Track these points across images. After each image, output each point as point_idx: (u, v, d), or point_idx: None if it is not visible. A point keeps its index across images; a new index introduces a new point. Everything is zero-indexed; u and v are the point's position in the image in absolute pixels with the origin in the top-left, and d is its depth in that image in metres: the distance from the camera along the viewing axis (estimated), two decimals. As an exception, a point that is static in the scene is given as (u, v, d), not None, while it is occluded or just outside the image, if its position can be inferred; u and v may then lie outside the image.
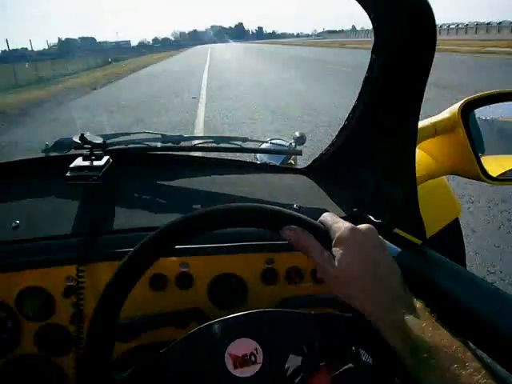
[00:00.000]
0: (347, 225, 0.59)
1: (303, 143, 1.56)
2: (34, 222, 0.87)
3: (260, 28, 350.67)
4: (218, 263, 0.82)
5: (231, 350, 0.57)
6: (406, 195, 0.76)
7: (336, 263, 0.57)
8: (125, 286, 0.56)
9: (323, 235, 0.60)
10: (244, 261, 0.82)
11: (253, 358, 0.57)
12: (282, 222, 0.60)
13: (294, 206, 0.89)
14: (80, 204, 0.93)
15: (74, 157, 1.02)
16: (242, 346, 0.58)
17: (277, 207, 0.61)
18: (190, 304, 0.81)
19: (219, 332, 0.59)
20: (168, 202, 0.96)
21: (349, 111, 0.86)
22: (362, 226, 0.60)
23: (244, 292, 0.83)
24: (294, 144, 1.52)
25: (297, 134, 1.56)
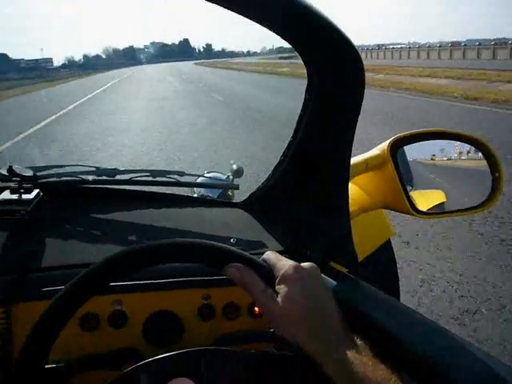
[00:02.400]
0: (291, 263, 0.60)
1: (240, 176, 1.58)
2: None
3: (208, 45, 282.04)
4: (152, 300, 0.79)
5: None
6: (341, 230, 0.78)
7: (279, 301, 0.57)
8: (53, 326, 0.53)
9: (266, 273, 0.60)
10: (180, 297, 0.80)
11: None
12: (224, 259, 0.60)
13: (231, 240, 0.89)
14: (7, 240, 0.87)
15: (1, 190, 0.96)
16: None
17: (219, 244, 0.60)
18: (125, 343, 0.77)
19: (156, 371, 0.57)
20: (102, 236, 0.92)
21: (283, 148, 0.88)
22: (306, 265, 0.61)
23: (180, 329, 0.80)
24: (231, 177, 1.53)
25: (234, 166, 1.58)
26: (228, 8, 0.54)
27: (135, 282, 0.76)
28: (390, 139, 0.89)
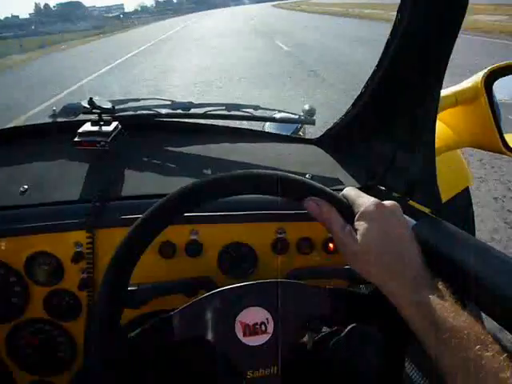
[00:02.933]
0: (372, 200, 0.58)
1: (313, 115, 1.53)
2: (43, 187, 0.87)
3: None
4: (228, 232, 0.81)
5: (242, 318, 0.57)
6: (424, 168, 0.73)
7: (358, 238, 0.55)
8: (134, 252, 0.56)
9: (346, 209, 0.59)
10: (254, 230, 0.81)
11: (263, 328, 0.57)
12: (304, 192, 0.59)
13: (307, 175, 0.87)
14: (88, 170, 0.92)
15: (83, 122, 1.00)
16: (254, 314, 0.57)
17: (300, 177, 0.59)
18: (200, 272, 0.80)
19: (231, 299, 0.58)
20: (177, 168, 0.94)
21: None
22: (387, 203, 0.59)
23: (254, 261, 0.82)
24: (303, 117, 1.50)
25: (306, 106, 1.54)
26: None
27: (211, 213, 0.78)
28: (485, 70, 0.81)
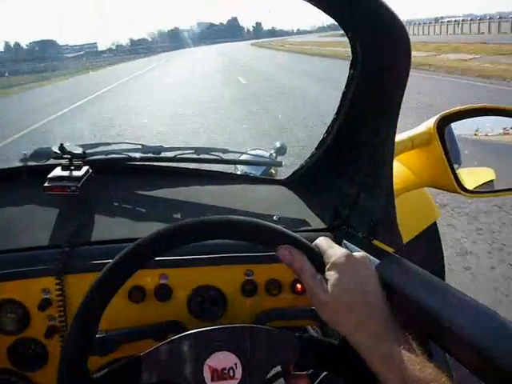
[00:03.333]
0: (343, 251, 0.60)
1: (284, 154, 1.58)
2: (11, 233, 0.86)
3: (258, 24, 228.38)
4: (197, 275, 0.81)
5: (211, 362, 0.57)
6: (385, 208, 0.77)
7: (328, 288, 0.57)
8: (103, 298, 0.56)
9: (317, 259, 0.60)
10: (224, 273, 0.82)
11: (231, 373, 0.57)
12: (278, 240, 0.61)
13: (274, 217, 0.90)
14: (58, 215, 0.92)
15: (53, 167, 1.00)
16: (222, 359, 0.58)
17: (274, 225, 0.61)
18: (170, 316, 0.80)
19: (200, 342, 0.59)
20: (148, 212, 0.95)
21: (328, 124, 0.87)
22: (357, 254, 0.61)
23: (224, 304, 0.83)
24: (274, 154, 1.54)
25: (277, 144, 1.58)
26: None
27: (181, 257, 0.79)
28: (437, 116, 0.87)
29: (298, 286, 0.83)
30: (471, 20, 43.31)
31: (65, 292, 0.77)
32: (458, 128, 0.94)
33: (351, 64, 0.71)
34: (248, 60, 26.25)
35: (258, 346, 0.59)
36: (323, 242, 0.63)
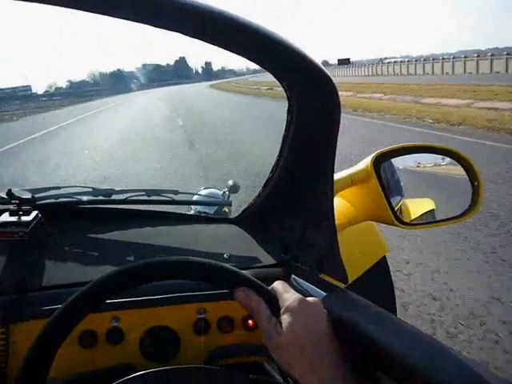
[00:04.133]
0: (297, 295, 0.62)
1: (237, 192, 1.62)
2: None
3: (208, 64, 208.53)
4: (149, 316, 0.81)
5: None
6: (329, 242, 0.81)
7: (282, 331, 0.59)
8: (52, 344, 0.55)
9: (273, 302, 0.63)
10: (175, 312, 0.82)
11: None
12: (234, 281, 0.63)
13: (225, 255, 0.92)
14: (6, 261, 0.90)
15: (0, 212, 0.99)
16: None
17: (231, 267, 0.63)
18: (122, 359, 0.80)
19: (158, 382, 0.59)
20: (100, 255, 0.95)
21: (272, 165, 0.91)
22: (311, 299, 0.63)
23: (177, 344, 0.83)
24: (227, 192, 1.58)
25: (230, 182, 1.62)
26: (211, 43, 0.57)
27: (131, 298, 0.79)
28: (373, 154, 0.93)
29: (250, 321, 0.85)
30: (408, 61, 46.09)
31: (12, 341, 0.75)
32: (402, 162, 1.01)
33: (288, 110, 0.76)
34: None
35: None
36: (279, 285, 0.66)
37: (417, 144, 0.98)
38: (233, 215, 1.19)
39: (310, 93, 0.69)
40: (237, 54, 0.59)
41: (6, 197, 1.00)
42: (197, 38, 0.55)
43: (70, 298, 0.57)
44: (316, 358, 0.57)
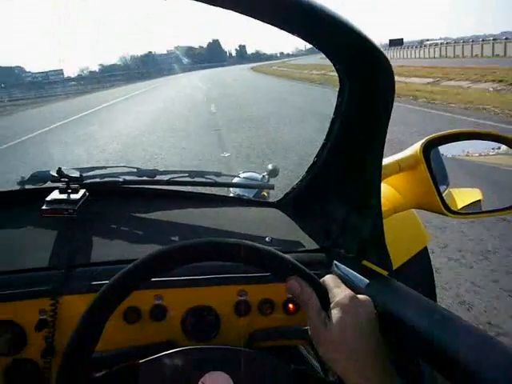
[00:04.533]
0: (347, 292, 0.62)
1: (276, 175, 1.61)
2: (9, 255, 0.88)
3: (242, 47, 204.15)
4: (191, 296, 0.83)
5: (206, 380, 0.59)
6: (373, 229, 0.79)
7: (331, 327, 0.58)
8: (99, 319, 0.57)
9: (323, 295, 0.62)
10: (217, 293, 0.83)
11: None
12: (289, 271, 0.63)
13: (266, 239, 0.92)
14: (56, 237, 0.93)
15: (51, 190, 1.03)
16: (217, 378, 0.59)
17: (286, 256, 0.63)
18: (164, 336, 0.82)
19: (197, 359, 0.60)
20: (144, 234, 0.97)
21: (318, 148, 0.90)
22: (362, 297, 0.62)
23: (217, 324, 0.84)
24: (267, 177, 1.58)
25: (269, 166, 1.62)
26: (256, 17, 0.56)
27: (175, 278, 0.80)
28: (423, 140, 0.90)
29: (290, 305, 0.85)
30: (447, 43, 44.23)
31: (61, 313, 0.78)
32: (449, 148, 0.97)
33: (339, 92, 0.74)
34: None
35: (253, 373, 0.61)
36: (330, 280, 0.65)
37: (469, 130, 0.94)
38: (274, 199, 1.18)
39: (364, 74, 0.67)
40: (291, 32, 0.57)
41: (56, 175, 1.04)
42: (249, 16, 0.54)
43: (116, 276, 0.58)
44: (363, 360, 0.56)
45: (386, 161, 0.90)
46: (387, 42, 66.15)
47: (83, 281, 0.80)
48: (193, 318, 0.83)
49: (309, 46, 0.64)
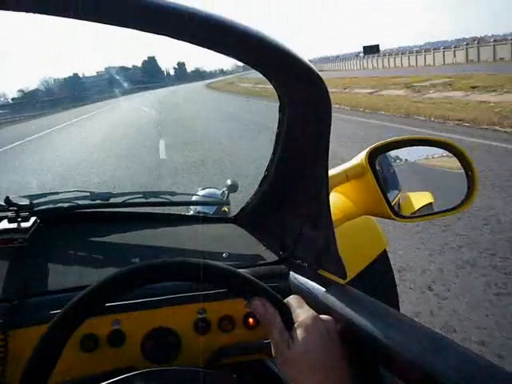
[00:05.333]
0: (311, 312, 0.63)
1: (235, 191, 1.63)
2: None
3: (181, 64, 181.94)
4: (150, 317, 0.82)
5: None
6: (327, 238, 0.81)
7: (293, 346, 0.59)
8: (53, 349, 0.56)
9: (286, 315, 0.63)
10: (176, 313, 0.83)
11: None
12: (251, 290, 0.63)
13: (224, 254, 0.93)
14: (7, 268, 0.91)
15: None
16: None
17: (250, 276, 0.64)
18: (124, 362, 0.80)
19: (158, 382, 0.61)
20: (100, 259, 0.96)
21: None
22: (324, 317, 0.63)
23: (178, 344, 0.83)
24: (226, 192, 1.59)
25: (229, 182, 1.63)
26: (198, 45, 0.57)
27: (133, 300, 0.79)
28: (367, 149, 0.93)
29: (251, 320, 0.85)
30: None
31: (12, 347, 0.75)
32: (399, 154, 1.01)
33: (280, 107, 0.76)
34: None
35: None
36: (294, 300, 0.66)
37: (411, 137, 0.99)
38: (232, 214, 1.19)
39: (299, 90, 0.69)
40: (224, 54, 0.59)
41: (3, 204, 1.01)
42: (179, 39, 0.55)
43: (68, 304, 0.57)
44: (325, 378, 0.57)
45: (333, 171, 0.92)
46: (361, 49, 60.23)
47: (36, 312, 0.77)
48: (152, 341, 0.82)
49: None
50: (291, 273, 0.85)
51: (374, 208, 0.93)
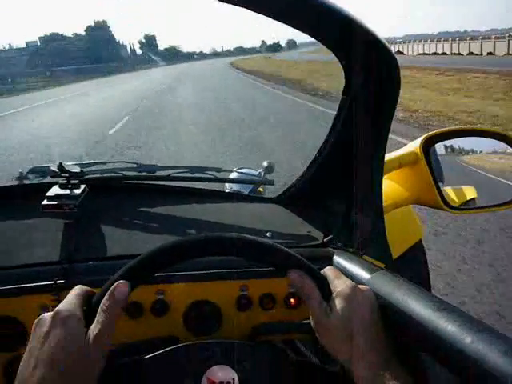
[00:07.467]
0: (348, 282, 0.63)
1: (272, 172, 1.62)
2: (9, 251, 0.87)
3: (151, 38, 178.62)
4: (192, 290, 0.83)
5: (210, 374, 0.60)
6: (374, 224, 0.80)
7: (332, 317, 0.59)
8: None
9: (325, 287, 0.63)
10: (218, 288, 0.84)
11: None
12: (290, 264, 0.63)
13: (268, 234, 0.93)
14: (57, 232, 0.93)
15: (51, 185, 1.02)
16: (221, 372, 0.60)
17: (288, 250, 0.64)
18: (166, 331, 0.82)
19: (200, 354, 0.61)
20: (145, 230, 0.97)
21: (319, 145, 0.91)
22: (363, 287, 0.63)
23: (219, 318, 0.84)
24: (262, 173, 1.58)
25: (265, 163, 1.63)
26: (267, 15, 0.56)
27: (177, 273, 0.81)
28: (422, 137, 0.91)
29: (292, 300, 0.86)
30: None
31: None
32: (443, 147, 0.99)
33: (344, 88, 0.75)
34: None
35: (257, 365, 0.62)
36: (331, 271, 0.66)
37: (473, 127, 0.96)
38: (271, 195, 1.19)
39: (368, 68, 0.68)
40: (300, 30, 0.58)
41: (56, 170, 1.03)
42: (246, 8, 0.54)
43: (119, 273, 0.58)
44: (365, 345, 0.57)
45: (386, 157, 0.91)
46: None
47: (85, 276, 0.80)
48: (194, 313, 0.84)
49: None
50: (335, 257, 0.84)
51: (425, 197, 0.92)
